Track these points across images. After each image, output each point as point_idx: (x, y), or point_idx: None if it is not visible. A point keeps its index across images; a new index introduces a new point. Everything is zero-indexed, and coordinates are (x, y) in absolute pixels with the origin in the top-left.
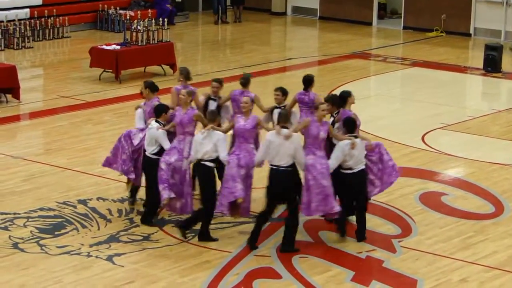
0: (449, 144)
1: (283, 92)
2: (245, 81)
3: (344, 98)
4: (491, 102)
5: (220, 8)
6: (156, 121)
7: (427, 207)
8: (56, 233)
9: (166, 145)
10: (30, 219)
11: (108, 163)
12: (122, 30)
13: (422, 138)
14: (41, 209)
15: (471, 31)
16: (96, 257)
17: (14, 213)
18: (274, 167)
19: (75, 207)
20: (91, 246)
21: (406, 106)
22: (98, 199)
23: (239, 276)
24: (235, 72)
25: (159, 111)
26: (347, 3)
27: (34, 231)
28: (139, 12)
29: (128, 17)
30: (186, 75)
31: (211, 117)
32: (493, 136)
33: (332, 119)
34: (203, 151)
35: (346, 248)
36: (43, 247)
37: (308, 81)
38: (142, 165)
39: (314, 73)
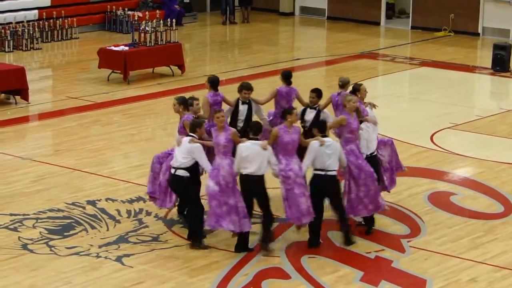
0: (457, 143)
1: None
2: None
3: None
4: (500, 102)
5: (228, 8)
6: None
7: (436, 207)
8: (65, 234)
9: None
10: (39, 220)
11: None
12: (131, 31)
13: (431, 138)
14: (50, 210)
15: (479, 31)
16: (105, 258)
17: (24, 214)
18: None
19: (84, 208)
20: (100, 247)
21: (415, 106)
22: (107, 200)
23: (248, 276)
24: (243, 72)
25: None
26: (355, 3)
27: (43, 232)
28: (147, 13)
29: (136, 18)
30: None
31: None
32: (501, 136)
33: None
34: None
35: (355, 248)
36: (52, 248)
37: (216, 82)
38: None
39: (322, 73)
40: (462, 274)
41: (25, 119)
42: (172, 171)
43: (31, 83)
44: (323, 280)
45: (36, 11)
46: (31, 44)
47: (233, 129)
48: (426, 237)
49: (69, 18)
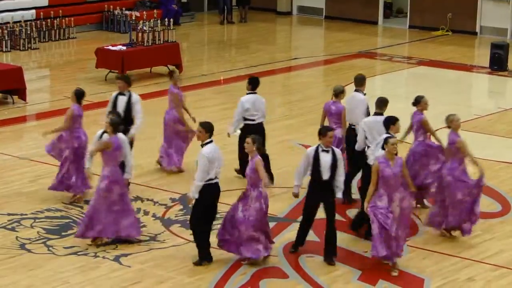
0: None
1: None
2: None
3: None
4: (498, 101)
5: (225, 8)
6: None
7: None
8: (63, 233)
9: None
10: (37, 220)
11: None
12: (128, 31)
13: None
14: (48, 210)
15: (477, 30)
16: (103, 257)
17: (21, 214)
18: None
19: (82, 207)
20: (97, 246)
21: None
22: None
23: (246, 276)
24: (240, 72)
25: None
26: (353, 2)
27: (41, 231)
28: (144, 12)
29: (133, 18)
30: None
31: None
32: (499, 135)
33: None
34: None
35: (352, 248)
36: (50, 248)
37: (81, 95)
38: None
39: (320, 73)
40: (460, 273)
41: (22, 119)
42: (215, 181)
43: (28, 83)
44: (321, 280)
45: (34, 10)
46: (28, 44)
47: (258, 158)
48: (424, 236)
49: (66, 18)
